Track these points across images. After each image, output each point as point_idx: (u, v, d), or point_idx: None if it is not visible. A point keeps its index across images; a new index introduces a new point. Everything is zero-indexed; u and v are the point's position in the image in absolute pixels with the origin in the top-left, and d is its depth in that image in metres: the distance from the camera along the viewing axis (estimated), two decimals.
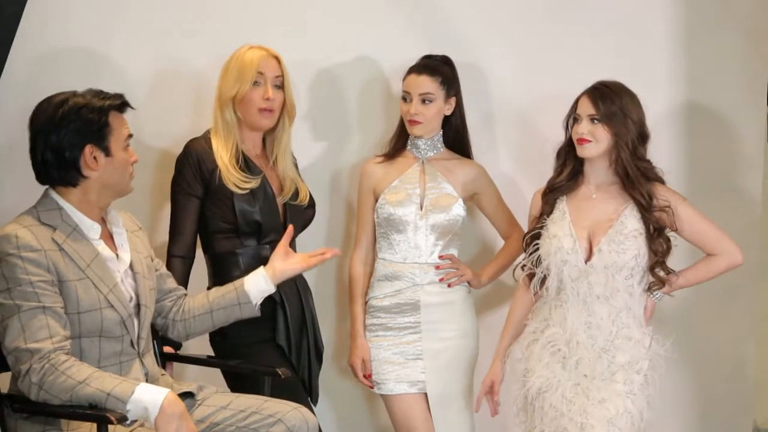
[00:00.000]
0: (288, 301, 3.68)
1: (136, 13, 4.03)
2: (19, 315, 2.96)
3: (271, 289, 3.43)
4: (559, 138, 4.11)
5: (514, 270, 3.66)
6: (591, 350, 3.46)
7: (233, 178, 3.61)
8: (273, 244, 3.67)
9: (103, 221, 3.19)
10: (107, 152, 3.11)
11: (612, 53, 4.15)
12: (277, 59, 3.69)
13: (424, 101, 3.81)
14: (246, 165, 3.66)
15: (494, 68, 4.17)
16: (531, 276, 3.58)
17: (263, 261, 3.62)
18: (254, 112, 3.66)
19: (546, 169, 4.15)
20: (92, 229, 3.13)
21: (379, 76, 4.17)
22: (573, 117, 3.55)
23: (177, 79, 4.05)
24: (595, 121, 3.49)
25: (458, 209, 3.88)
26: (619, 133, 3.47)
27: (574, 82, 4.10)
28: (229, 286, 3.43)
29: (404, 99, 3.86)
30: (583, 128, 3.50)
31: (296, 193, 3.76)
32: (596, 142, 3.50)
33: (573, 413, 3.41)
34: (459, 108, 3.91)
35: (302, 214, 3.80)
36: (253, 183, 3.63)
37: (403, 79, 3.88)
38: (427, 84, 3.82)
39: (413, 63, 3.90)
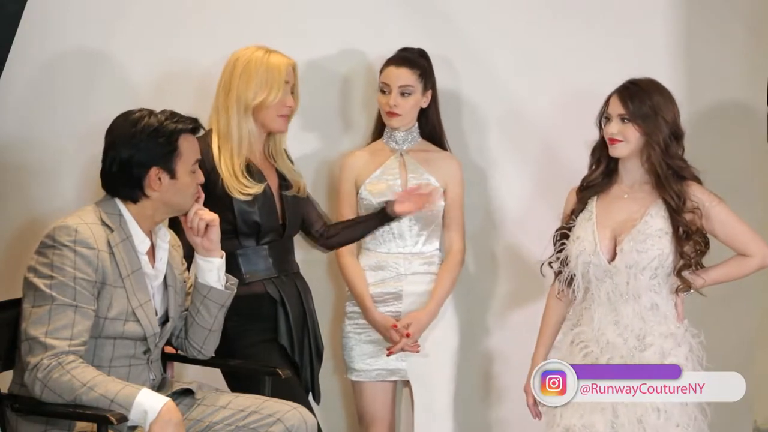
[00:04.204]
0: (288, 300, 3.68)
1: (137, 13, 4.04)
2: (51, 307, 3.00)
3: (215, 262, 3.35)
4: (558, 136, 4.15)
5: (542, 266, 3.64)
6: (623, 348, 3.44)
7: (238, 186, 3.59)
8: (271, 245, 3.67)
9: (150, 233, 3.24)
10: (172, 175, 3.17)
11: (612, 51, 4.14)
12: (293, 67, 3.69)
13: (402, 94, 3.87)
14: (251, 172, 3.64)
15: (494, 66, 4.17)
16: (559, 273, 3.57)
17: (262, 262, 3.63)
18: (275, 117, 3.66)
19: (546, 168, 4.17)
20: (143, 243, 3.19)
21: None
22: (605, 116, 3.53)
23: (178, 79, 4.05)
24: (625, 120, 3.47)
25: (441, 200, 3.91)
26: (650, 132, 3.45)
27: (575, 81, 4.14)
28: (192, 290, 3.41)
29: (382, 91, 3.90)
30: (613, 128, 3.47)
31: (297, 188, 3.75)
32: (626, 142, 3.47)
33: (603, 411, 3.40)
34: (434, 101, 3.97)
35: (300, 209, 3.80)
36: (256, 189, 3.62)
37: (381, 71, 3.92)
38: (407, 76, 3.87)
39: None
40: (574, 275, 3.51)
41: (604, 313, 3.48)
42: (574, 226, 3.55)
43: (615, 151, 3.50)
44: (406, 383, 3.99)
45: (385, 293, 3.91)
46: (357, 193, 3.95)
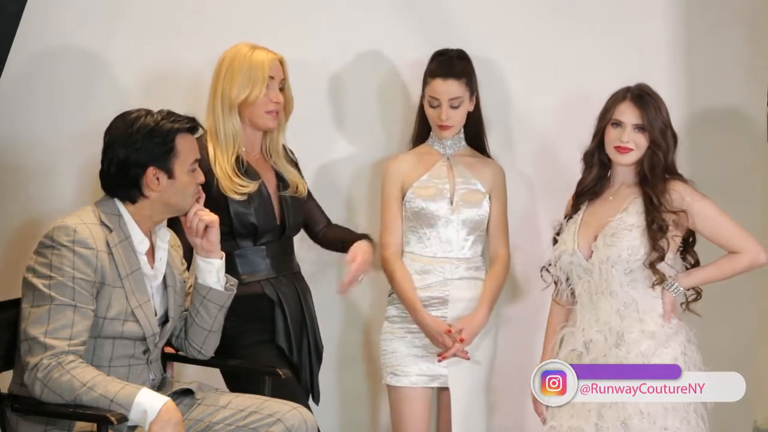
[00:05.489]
0: (286, 301, 3.67)
1: (136, 13, 4.04)
2: (50, 307, 3.01)
3: (215, 263, 3.36)
4: (558, 136, 4.14)
5: (542, 271, 3.65)
6: (604, 347, 3.45)
7: (232, 185, 3.58)
8: (269, 246, 3.67)
9: (149, 233, 3.23)
10: (170, 174, 3.17)
11: (612, 52, 4.15)
12: (281, 62, 3.68)
13: (452, 106, 3.81)
14: (245, 170, 3.64)
15: (493, 67, 4.17)
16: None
17: (260, 262, 3.63)
18: (262, 114, 3.64)
19: (546, 169, 4.17)
20: (142, 243, 3.20)
21: (383, 75, 4.18)
22: (612, 123, 3.49)
23: (176, 79, 4.05)
24: (639, 129, 3.46)
25: (487, 205, 3.89)
26: (659, 141, 3.45)
27: (574, 81, 4.14)
28: (192, 291, 3.42)
29: (431, 105, 3.84)
30: (628, 137, 3.46)
31: (295, 188, 3.74)
32: (637, 150, 3.47)
33: (589, 413, 3.41)
34: (477, 103, 3.92)
35: (300, 209, 3.79)
36: (251, 187, 3.61)
37: (426, 83, 3.85)
38: (456, 88, 3.81)
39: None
40: (561, 278, 3.54)
41: (587, 311, 3.50)
42: (563, 230, 3.57)
43: (625, 159, 3.49)
44: (439, 391, 3.93)
45: (431, 297, 3.85)
46: (402, 197, 3.89)
